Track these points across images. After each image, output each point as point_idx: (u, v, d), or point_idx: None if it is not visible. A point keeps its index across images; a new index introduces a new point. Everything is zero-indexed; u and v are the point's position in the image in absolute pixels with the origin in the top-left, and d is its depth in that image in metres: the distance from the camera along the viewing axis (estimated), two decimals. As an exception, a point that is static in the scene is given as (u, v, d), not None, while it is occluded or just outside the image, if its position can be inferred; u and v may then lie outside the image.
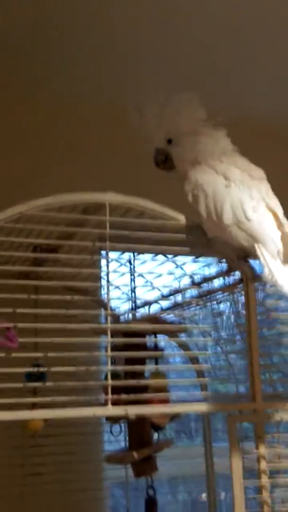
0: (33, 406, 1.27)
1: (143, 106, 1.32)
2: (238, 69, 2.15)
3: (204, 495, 1.93)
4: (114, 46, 1.98)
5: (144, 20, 1.87)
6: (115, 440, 1.56)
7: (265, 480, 1.21)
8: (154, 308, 1.60)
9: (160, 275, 1.39)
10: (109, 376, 1.12)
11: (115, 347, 1.32)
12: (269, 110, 2.44)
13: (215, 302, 1.53)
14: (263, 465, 1.21)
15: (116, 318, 1.48)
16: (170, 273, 1.43)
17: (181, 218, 1.29)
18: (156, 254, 1.41)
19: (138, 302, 1.58)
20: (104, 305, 1.20)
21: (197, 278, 1.43)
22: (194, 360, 1.82)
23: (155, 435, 1.45)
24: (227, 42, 1.98)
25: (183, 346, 1.82)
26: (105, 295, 1.22)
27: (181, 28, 1.91)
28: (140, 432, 1.43)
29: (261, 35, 1.96)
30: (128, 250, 1.41)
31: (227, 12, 1.83)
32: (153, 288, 1.47)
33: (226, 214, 1.21)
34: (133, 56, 2.04)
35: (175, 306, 1.58)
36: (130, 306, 1.63)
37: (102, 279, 1.64)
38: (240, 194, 1.23)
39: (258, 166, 1.31)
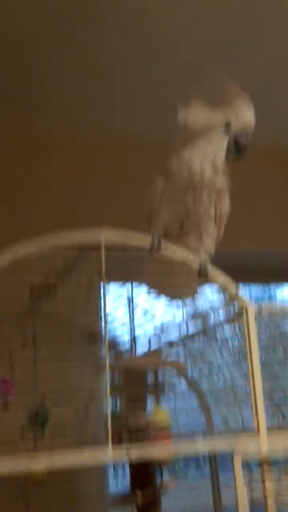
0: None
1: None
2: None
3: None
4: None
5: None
6: (121, 478, 1.53)
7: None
8: (155, 341, 1.58)
9: (158, 307, 1.37)
10: (109, 419, 1.11)
11: (116, 384, 1.30)
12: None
13: (217, 334, 1.51)
14: (270, 500, 1.19)
15: (119, 355, 1.46)
16: (169, 305, 1.42)
17: (179, 251, 1.28)
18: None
19: (138, 335, 1.56)
20: (109, 343, 1.18)
21: (197, 310, 1.42)
22: (199, 392, 1.80)
23: (160, 472, 1.42)
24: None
25: (189, 380, 1.79)
26: (104, 330, 1.20)
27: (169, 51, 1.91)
28: (143, 472, 1.41)
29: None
30: (127, 282, 1.40)
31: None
32: (153, 320, 1.46)
33: None
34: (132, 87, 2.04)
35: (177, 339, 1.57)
36: (130, 339, 1.61)
37: (101, 314, 1.63)
38: None
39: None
